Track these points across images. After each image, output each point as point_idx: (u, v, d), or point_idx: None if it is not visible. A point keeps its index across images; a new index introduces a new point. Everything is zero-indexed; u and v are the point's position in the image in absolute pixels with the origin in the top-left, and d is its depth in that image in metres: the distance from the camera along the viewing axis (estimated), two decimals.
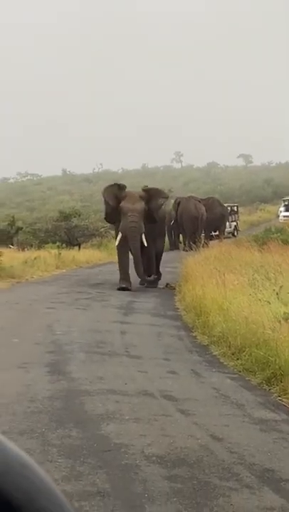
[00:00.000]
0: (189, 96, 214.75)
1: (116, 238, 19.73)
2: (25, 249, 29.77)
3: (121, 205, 18.38)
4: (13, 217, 36.95)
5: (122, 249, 18.82)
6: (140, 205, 18.37)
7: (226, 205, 43.07)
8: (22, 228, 35.97)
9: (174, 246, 34.33)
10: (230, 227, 41.52)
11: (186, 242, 31.38)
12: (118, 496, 4.72)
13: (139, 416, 6.69)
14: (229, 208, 43.47)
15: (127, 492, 4.80)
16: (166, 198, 20.45)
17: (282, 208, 49.96)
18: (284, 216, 46.83)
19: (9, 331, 11.44)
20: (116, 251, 19.85)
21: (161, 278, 19.84)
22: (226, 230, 40.36)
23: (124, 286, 17.96)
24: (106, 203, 19.37)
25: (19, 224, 36.53)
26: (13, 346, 10.06)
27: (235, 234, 40.43)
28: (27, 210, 55.85)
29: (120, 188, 19.33)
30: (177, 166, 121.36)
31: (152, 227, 18.84)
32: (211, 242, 29.81)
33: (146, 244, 18.37)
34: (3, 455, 0.53)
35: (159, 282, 19.56)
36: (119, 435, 6.05)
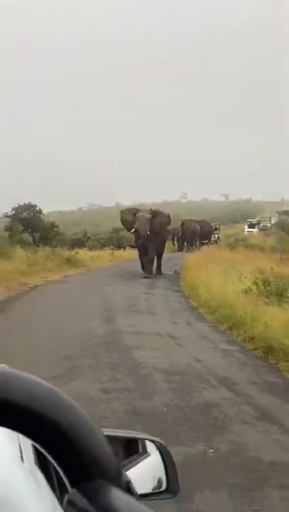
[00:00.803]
0: (192, 154, 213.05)
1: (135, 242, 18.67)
2: (92, 250, 29.83)
3: (136, 215, 17.88)
4: (85, 231, 37.33)
5: (141, 249, 17.88)
6: (147, 215, 17.79)
7: (212, 224, 42.87)
8: (90, 237, 36.20)
9: (181, 249, 34.10)
10: (214, 238, 41.27)
11: (188, 247, 31.29)
12: (138, 391, 4.77)
13: (153, 347, 6.70)
14: (214, 226, 43.20)
15: (143, 388, 4.85)
16: (168, 215, 19.22)
17: (246, 226, 49.48)
18: (247, 231, 46.37)
19: (81, 297, 11.36)
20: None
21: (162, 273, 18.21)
22: (213, 239, 40.16)
23: (146, 276, 16.92)
24: (124, 218, 18.66)
25: (89, 235, 36.81)
26: (82, 307, 9.99)
27: (218, 242, 40.04)
28: (94, 227, 55.91)
29: (135, 210, 18.90)
30: (183, 200, 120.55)
31: (156, 238, 17.84)
32: (203, 247, 29.63)
33: (157, 248, 17.67)
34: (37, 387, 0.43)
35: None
36: (141, 357, 6.05)
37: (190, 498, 2.78)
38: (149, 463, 0.97)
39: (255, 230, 45.99)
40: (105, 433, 0.84)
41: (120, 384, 4.96)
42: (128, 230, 18.94)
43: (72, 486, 0.41)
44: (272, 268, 11.66)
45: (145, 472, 0.96)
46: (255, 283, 10.12)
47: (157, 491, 0.96)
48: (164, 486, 0.96)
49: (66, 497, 0.42)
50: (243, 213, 72.51)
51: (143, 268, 17.59)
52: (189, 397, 4.60)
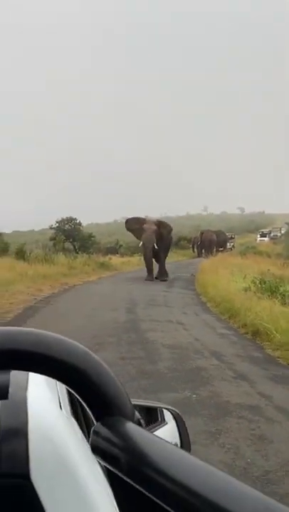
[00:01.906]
0: (216, 167, 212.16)
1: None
2: (124, 256, 30.64)
3: (143, 226, 17.20)
4: (117, 239, 38.20)
5: (147, 256, 17.37)
6: (154, 227, 17.08)
7: (227, 233, 43.28)
8: (122, 245, 37.03)
9: (199, 255, 34.66)
10: (230, 246, 41.59)
11: (205, 253, 31.81)
12: (147, 359, 5.42)
13: (164, 330, 7.28)
14: (230, 236, 43.66)
15: (152, 357, 5.50)
16: (171, 229, 18.17)
17: (258, 236, 49.66)
18: (259, 240, 46.52)
19: (110, 294, 11.95)
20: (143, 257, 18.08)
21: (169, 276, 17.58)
22: (228, 247, 40.43)
23: (149, 278, 16.59)
24: (131, 227, 17.91)
25: (121, 243, 37.68)
26: (111, 301, 10.56)
27: (233, 249, 40.45)
28: (126, 236, 56.79)
29: (142, 218, 18.03)
30: (204, 213, 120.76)
31: (163, 246, 17.42)
32: (219, 254, 30.06)
33: (156, 247, 16.86)
34: (74, 350, 0.47)
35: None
36: (153, 337, 6.66)
37: None
38: (167, 430, 0.99)
39: (266, 239, 46.10)
40: None
41: (134, 354, 5.66)
42: (136, 238, 18.29)
43: (97, 421, 0.46)
44: (268, 269, 12.17)
45: (163, 437, 1.11)
46: (253, 282, 10.74)
47: None
48: None
49: (92, 428, 0.46)
50: (256, 224, 72.27)
51: (149, 273, 17.08)
52: (185, 364, 5.29)
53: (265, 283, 10.29)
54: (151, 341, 6.44)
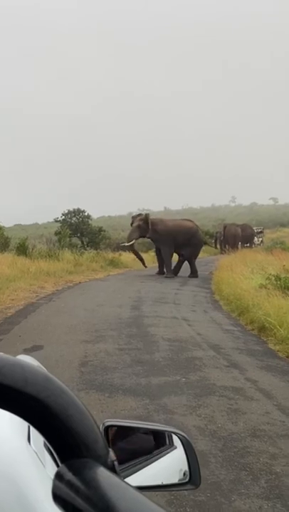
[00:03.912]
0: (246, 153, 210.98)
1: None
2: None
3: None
4: None
5: (158, 253, 19.02)
6: (137, 223, 18.86)
7: (256, 227, 43.70)
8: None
9: (223, 252, 35.15)
10: (258, 241, 41.94)
11: (229, 249, 32.37)
12: (145, 350, 6.27)
13: (167, 325, 8.09)
14: (258, 230, 44.03)
15: (150, 348, 6.35)
16: (160, 220, 19.87)
17: None
18: None
19: (117, 291, 12.78)
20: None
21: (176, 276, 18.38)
22: (256, 242, 40.74)
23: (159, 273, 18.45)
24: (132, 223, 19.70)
25: None
26: (117, 298, 11.36)
27: (261, 245, 40.84)
28: None
29: (145, 216, 19.51)
30: (232, 204, 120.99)
31: (162, 240, 18.65)
32: (244, 250, 30.50)
33: (162, 250, 18.59)
34: (30, 373, 0.44)
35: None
36: (154, 331, 7.48)
37: (160, 398, 4.44)
38: (176, 455, 1.02)
39: None
40: (134, 425, 1.07)
41: (132, 346, 6.56)
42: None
43: (62, 462, 0.44)
44: (284, 265, 12.86)
45: (172, 464, 1.02)
46: (268, 279, 11.51)
47: (181, 482, 1.02)
48: (188, 478, 1.01)
49: (55, 471, 0.44)
50: None
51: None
52: (181, 354, 6.16)
53: (280, 280, 11.05)
54: (151, 335, 7.32)
